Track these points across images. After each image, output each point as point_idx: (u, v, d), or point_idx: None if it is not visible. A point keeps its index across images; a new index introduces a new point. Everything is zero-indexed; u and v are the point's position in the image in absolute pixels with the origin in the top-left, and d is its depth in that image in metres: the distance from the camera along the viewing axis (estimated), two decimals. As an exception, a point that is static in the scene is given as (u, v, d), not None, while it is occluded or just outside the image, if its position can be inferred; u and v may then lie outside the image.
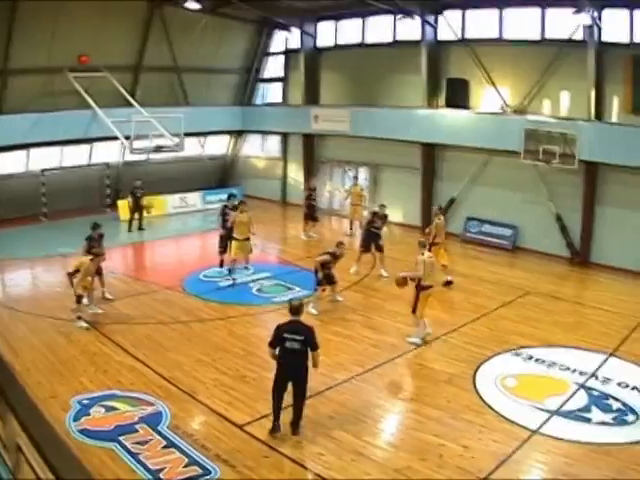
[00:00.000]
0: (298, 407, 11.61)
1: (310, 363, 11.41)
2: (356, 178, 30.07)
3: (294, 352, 11.23)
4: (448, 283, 20.92)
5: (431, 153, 28.63)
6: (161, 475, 10.18)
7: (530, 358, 14.98)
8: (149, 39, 32.18)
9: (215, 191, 35.53)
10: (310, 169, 34.45)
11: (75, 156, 32.43)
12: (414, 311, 16.08)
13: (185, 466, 10.46)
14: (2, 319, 17.37)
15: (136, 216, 29.54)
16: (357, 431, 11.61)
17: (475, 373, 14.16)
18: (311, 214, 27.87)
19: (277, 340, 11.38)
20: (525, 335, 16.42)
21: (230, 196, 23.35)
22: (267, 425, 11.73)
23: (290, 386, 11.53)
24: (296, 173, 35.74)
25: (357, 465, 10.54)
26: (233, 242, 20.93)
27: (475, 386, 13.55)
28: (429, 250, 18.06)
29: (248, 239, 20.98)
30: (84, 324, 16.88)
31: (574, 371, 14.26)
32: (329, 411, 12.41)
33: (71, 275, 17.19)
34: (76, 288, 16.93)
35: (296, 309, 11.66)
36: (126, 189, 31.93)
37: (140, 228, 29.36)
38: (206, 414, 12.43)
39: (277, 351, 11.47)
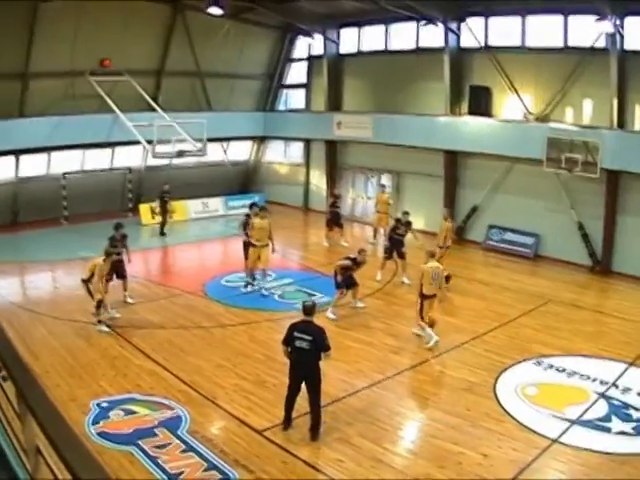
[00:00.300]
0: (315, 412, 11.75)
1: (322, 363, 11.58)
2: (383, 186, 29.75)
3: (303, 351, 11.45)
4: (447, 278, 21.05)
5: (454, 160, 28.61)
6: (179, 479, 10.26)
7: (551, 367, 14.93)
8: (172, 44, 32.48)
9: (237, 197, 35.68)
10: (333, 176, 34.53)
11: (97, 160, 32.66)
12: (422, 317, 16.16)
13: (204, 470, 10.51)
14: (22, 321, 17.47)
15: (160, 220, 29.77)
16: (376, 438, 11.63)
17: (496, 381, 14.11)
18: (336, 221, 27.68)
19: (288, 338, 11.65)
20: (546, 344, 16.36)
21: (252, 205, 22.67)
22: (287, 430, 11.85)
23: (305, 390, 11.72)
24: (319, 179, 35.80)
25: (376, 472, 10.55)
26: (250, 249, 20.63)
27: (495, 394, 13.50)
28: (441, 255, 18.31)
29: (267, 245, 20.65)
30: (105, 328, 17.04)
31: (594, 380, 14.20)
32: (349, 418, 12.42)
33: (86, 282, 17.34)
34: (95, 293, 17.08)
35: (309, 309, 11.91)
36: (148, 193, 32.24)
37: (162, 233, 29.51)
38: (225, 419, 12.49)
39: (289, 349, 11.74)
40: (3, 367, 4.00)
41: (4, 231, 28.59)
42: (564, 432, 11.82)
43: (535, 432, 11.82)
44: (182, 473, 10.42)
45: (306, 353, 11.43)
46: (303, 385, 11.76)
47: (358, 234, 31.24)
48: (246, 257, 21.26)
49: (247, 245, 21.10)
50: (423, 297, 16.08)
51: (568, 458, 10.97)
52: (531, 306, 19.62)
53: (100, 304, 17.13)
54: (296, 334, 11.55)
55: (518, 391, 13.65)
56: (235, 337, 17.00)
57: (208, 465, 10.65)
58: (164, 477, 10.30)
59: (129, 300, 19.56)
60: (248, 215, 21.60)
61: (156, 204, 30.03)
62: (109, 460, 10.46)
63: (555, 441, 11.50)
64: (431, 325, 16.42)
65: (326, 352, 11.49)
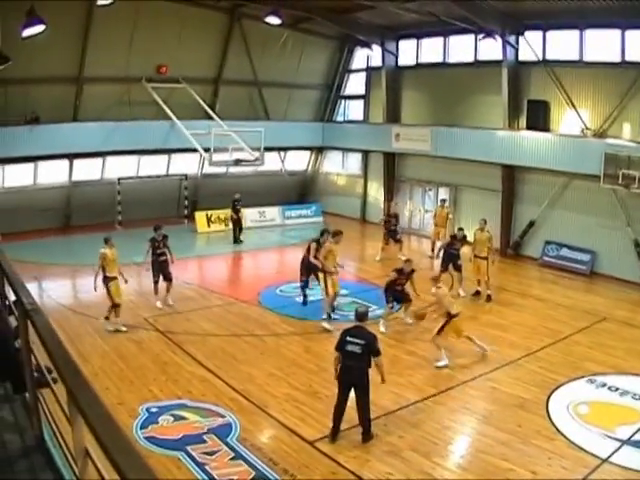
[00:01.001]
0: (364, 417, 12.03)
1: (372, 371, 11.83)
2: (443, 200, 29.37)
3: (354, 355, 11.75)
4: (479, 294, 21.73)
5: (511, 175, 28.44)
6: (226, 486, 10.38)
7: (603, 385, 14.83)
8: (229, 52, 32.97)
9: (294, 206, 35.87)
10: (390, 188, 34.65)
11: (152, 166, 33.25)
12: (438, 333, 16.26)
13: (252, 479, 10.63)
14: (72, 324, 17.84)
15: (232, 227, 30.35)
16: (427, 452, 11.66)
17: (548, 398, 14.06)
18: (392, 237, 27.65)
19: (341, 343, 11.93)
20: (599, 362, 16.23)
21: (324, 232, 20.60)
22: (337, 441, 11.95)
23: (354, 396, 11.96)
24: (376, 191, 35.92)
25: (425, 486, 10.57)
26: (330, 278, 19.26)
27: (548, 411, 13.46)
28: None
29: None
30: (110, 327, 17.61)
31: (647, 400, 14.10)
32: (400, 430, 12.48)
33: (105, 280, 17.84)
34: (114, 297, 17.60)
35: (361, 315, 12.34)
36: (204, 201, 32.85)
37: (238, 241, 29.94)
38: (276, 428, 12.62)
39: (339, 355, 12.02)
40: (54, 368, 4.05)
41: (56, 234, 29.16)
42: (614, 452, 11.72)
43: (585, 451, 11.74)
44: (229, 481, 10.55)
45: (357, 357, 11.73)
46: (352, 395, 11.96)
47: (415, 247, 31.32)
48: (302, 274, 20.66)
49: (310, 268, 20.29)
50: (451, 317, 16.12)
51: (617, 478, 10.88)
52: (585, 323, 19.45)
53: (117, 307, 17.63)
54: (349, 339, 11.87)
55: (570, 409, 13.59)
56: (288, 347, 17.16)
57: (256, 474, 10.75)
58: (210, 484, 10.44)
59: (170, 302, 20.15)
60: (317, 241, 20.11)
61: (231, 212, 30.45)
62: (156, 465, 10.57)
63: (605, 461, 11.41)
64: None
65: (377, 356, 11.78)
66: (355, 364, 11.75)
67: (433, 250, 27.52)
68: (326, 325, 18.75)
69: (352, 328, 12.18)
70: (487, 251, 21.68)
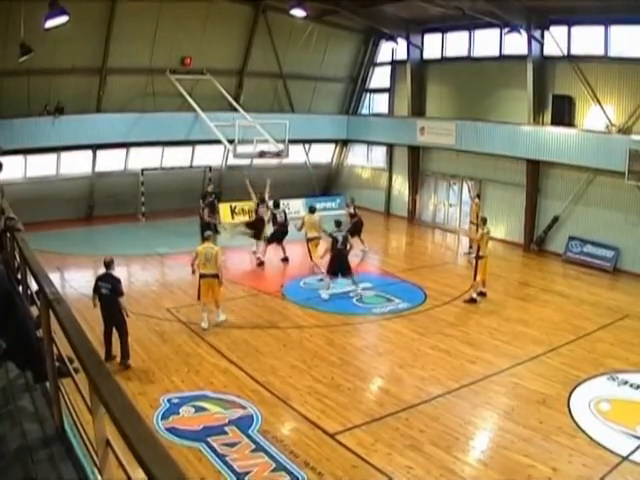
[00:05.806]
0: (124, 348, 14.68)
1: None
2: (478, 196, 28.89)
3: (105, 297, 14.65)
4: (479, 295, 21.13)
5: (536, 170, 28.26)
6: (247, 478, 10.49)
7: (625, 383, 14.78)
8: (254, 44, 32.97)
9: (319, 199, 35.76)
10: (415, 181, 34.63)
11: (176, 157, 33.35)
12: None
13: (272, 471, 10.71)
14: (94, 314, 17.64)
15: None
16: (448, 447, 11.70)
17: (570, 395, 14.04)
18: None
19: (96, 288, 14.81)
20: (621, 359, 16.17)
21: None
22: (359, 435, 12.04)
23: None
24: (401, 185, 35.89)
25: (445, 481, 10.68)
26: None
27: (569, 408, 13.44)
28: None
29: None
30: None
31: (668, 398, 14.02)
32: (421, 425, 12.54)
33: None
34: None
35: (107, 264, 14.96)
36: (228, 193, 32.47)
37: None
38: (298, 421, 12.71)
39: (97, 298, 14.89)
40: (76, 358, 4.05)
41: (79, 225, 29.29)
42: (635, 450, 11.71)
43: (606, 448, 11.72)
44: (250, 472, 10.65)
45: (108, 298, 14.58)
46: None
47: (439, 241, 31.39)
48: None
49: None
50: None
51: (637, 477, 10.89)
52: (608, 320, 19.33)
53: None
54: (100, 283, 14.73)
55: (592, 406, 13.57)
56: (311, 339, 17.22)
57: (277, 465, 10.84)
58: (231, 475, 10.56)
59: None
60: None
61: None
62: (176, 455, 10.23)
63: (625, 459, 11.39)
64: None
65: (121, 297, 14.70)
66: (107, 302, 14.60)
67: (471, 247, 27.12)
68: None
69: (102, 275, 14.96)
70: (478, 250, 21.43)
